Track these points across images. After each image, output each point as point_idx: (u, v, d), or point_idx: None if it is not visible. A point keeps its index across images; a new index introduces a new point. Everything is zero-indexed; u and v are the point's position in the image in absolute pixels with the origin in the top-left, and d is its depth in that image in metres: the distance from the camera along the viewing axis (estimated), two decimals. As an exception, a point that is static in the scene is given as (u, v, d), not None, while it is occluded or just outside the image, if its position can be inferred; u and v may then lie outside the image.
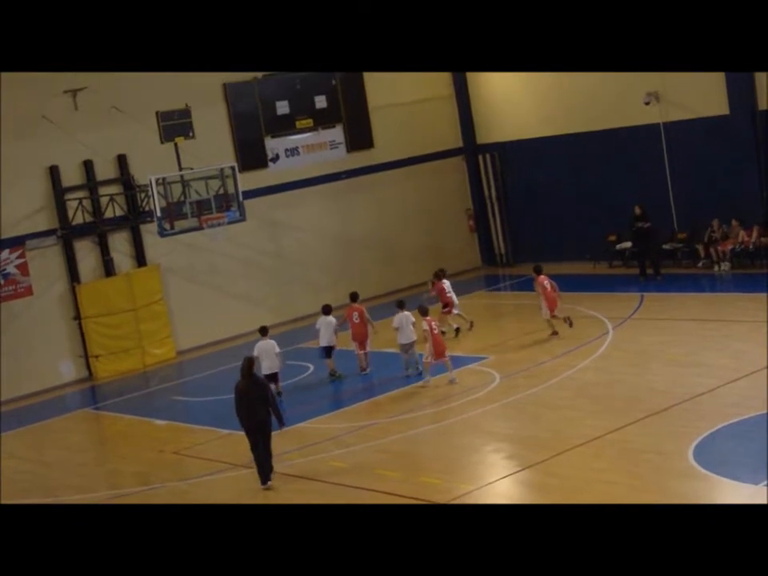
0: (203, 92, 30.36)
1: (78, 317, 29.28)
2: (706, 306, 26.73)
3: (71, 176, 29.27)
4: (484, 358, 24.17)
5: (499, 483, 16.89)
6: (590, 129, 32.67)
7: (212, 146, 29.95)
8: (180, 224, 26.78)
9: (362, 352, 24.71)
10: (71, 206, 29.07)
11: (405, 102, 34.76)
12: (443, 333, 26.40)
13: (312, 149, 33.36)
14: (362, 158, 34.17)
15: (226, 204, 27.12)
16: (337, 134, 33.83)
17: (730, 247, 29.54)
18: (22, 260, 28.54)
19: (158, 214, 26.21)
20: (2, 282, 28.24)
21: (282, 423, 18.71)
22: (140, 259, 30.30)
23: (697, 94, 29.85)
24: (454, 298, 26.72)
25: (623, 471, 16.28)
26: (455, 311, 26.81)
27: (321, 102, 33.35)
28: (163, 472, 20.17)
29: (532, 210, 34.83)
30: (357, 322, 24.65)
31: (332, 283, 32.00)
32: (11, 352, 28.10)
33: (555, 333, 25.12)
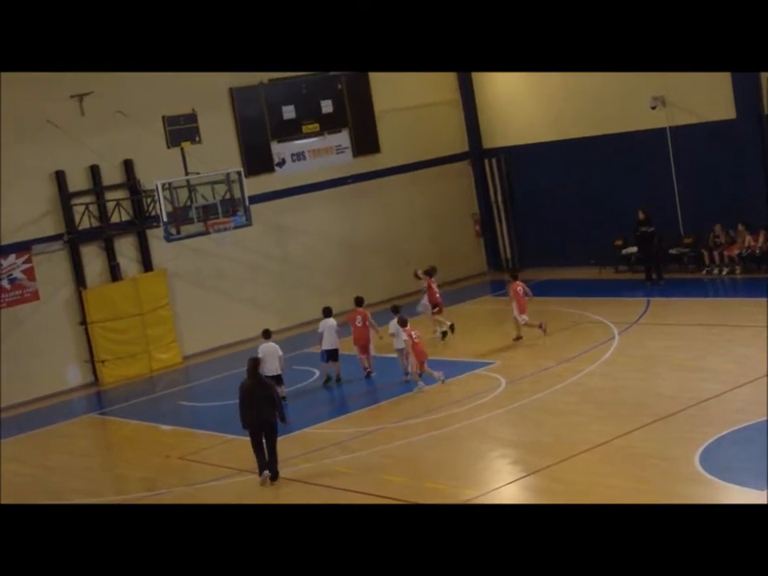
0: (209, 96, 30.41)
1: (84, 322, 29.30)
2: (711, 310, 26.72)
3: (77, 181, 29.30)
4: (490, 363, 24.14)
5: (505, 489, 16.85)
6: (595, 133, 32.67)
7: (218, 150, 29.97)
8: (186, 229, 26.81)
9: (364, 356, 24.74)
10: (77, 210, 29.11)
11: (411, 106, 34.77)
12: (445, 332, 26.61)
13: (318, 153, 33.38)
14: (368, 163, 34.18)
15: (232, 209, 27.13)
16: (343, 138, 33.85)
17: (736, 252, 29.51)
18: (28, 265, 28.57)
19: (165, 218, 26.21)
20: (9, 286, 28.27)
21: (284, 422, 18.75)
22: (146, 264, 30.32)
23: (703, 98, 29.82)
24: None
25: (629, 476, 16.24)
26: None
27: (327, 106, 33.38)
28: (169, 477, 20.16)
29: (538, 215, 34.82)
30: (359, 326, 24.66)
31: (338, 288, 31.99)
32: (17, 356, 28.13)
33: (520, 337, 25.63)
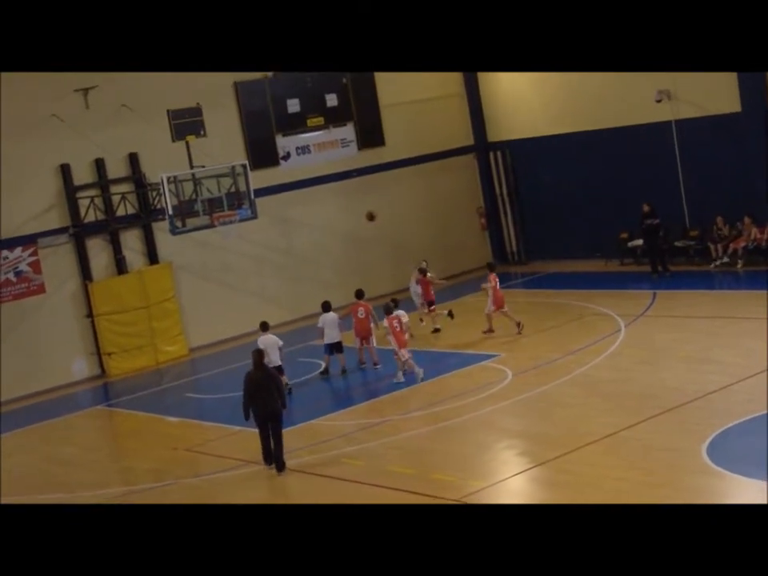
0: (214, 90, 30.39)
1: (90, 314, 29.34)
2: (718, 303, 26.72)
3: (83, 174, 29.32)
4: (496, 355, 24.16)
5: (512, 480, 16.89)
6: (601, 126, 32.66)
7: (223, 144, 30.01)
8: (192, 222, 26.85)
9: (369, 346, 24.88)
10: (83, 204, 29.14)
11: (416, 99, 34.74)
12: (437, 330, 26.73)
13: (323, 147, 33.38)
14: (372, 156, 34.18)
15: (237, 202, 27.15)
16: (348, 132, 33.85)
17: (742, 245, 29.50)
18: (34, 258, 28.60)
19: (170, 211, 26.23)
20: (15, 279, 28.31)
21: (284, 407, 18.88)
22: (152, 257, 30.35)
23: (708, 92, 29.78)
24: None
25: (636, 468, 16.25)
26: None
27: (332, 100, 33.37)
28: (176, 469, 20.21)
29: (543, 208, 34.82)
30: (362, 317, 24.78)
31: (343, 281, 31.97)
32: (24, 350, 28.20)
33: (491, 330, 25.90)
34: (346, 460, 18.83)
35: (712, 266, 30.02)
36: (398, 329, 23.51)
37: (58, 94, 28.39)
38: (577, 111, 33.32)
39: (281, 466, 18.58)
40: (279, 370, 22.91)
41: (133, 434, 24.16)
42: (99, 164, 29.45)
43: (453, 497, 16.04)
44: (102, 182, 29.55)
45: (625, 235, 32.32)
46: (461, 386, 22.25)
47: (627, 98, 31.71)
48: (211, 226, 27.10)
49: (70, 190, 29.02)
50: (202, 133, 27.24)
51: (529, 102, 34.78)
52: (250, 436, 19.56)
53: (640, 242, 31.48)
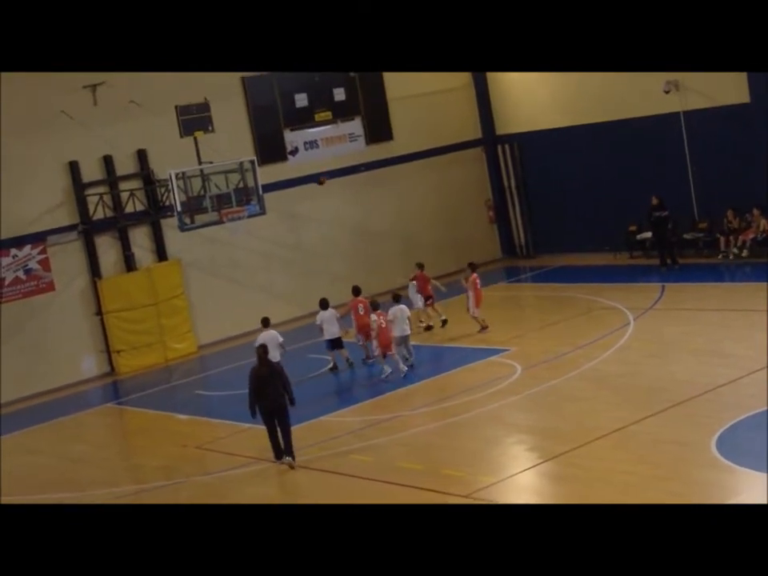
0: (222, 86, 30.35)
1: (99, 312, 29.38)
2: (727, 295, 26.68)
3: (91, 171, 29.35)
4: (505, 350, 24.14)
5: (521, 475, 16.88)
6: (609, 118, 32.58)
7: (231, 139, 29.99)
8: (200, 218, 26.81)
9: (370, 343, 24.85)
10: (91, 201, 29.17)
11: (423, 93, 34.67)
12: (430, 327, 26.78)
13: (331, 141, 33.37)
14: (381, 150, 34.16)
15: (245, 198, 27.12)
16: (356, 126, 33.83)
17: (751, 236, 29.43)
18: (43, 255, 28.65)
19: (178, 208, 26.21)
20: (24, 277, 28.36)
21: (293, 404, 18.99)
22: (161, 254, 30.38)
23: (717, 82, 29.67)
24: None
25: (645, 462, 16.24)
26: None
27: (339, 94, 33.36)
28: (186, 466, 20.24)
29: (552, 201, 34.77)
30: (362, 313, 24.80)
31: (352, 276, 31.75)
32: (34, 348, 28.26)
33: (485, 327, 26.00)
34: (355, 456, 18.84)
35: (720, 257, 29.94)
36: (383, 325, 23.65)
37: (66, 90, 28.37)
38: (584, 103, 33.26)
39: (290, 454, 18.69)
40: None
41: (143, 431, 24.20)
42: (107, 161, 29.48)
43: (462, 492, 16.05)
44: (111, 178, 29.57)
45: (633, 228, 32.26)
46: (469, 381, 22.25)
47: (635, 90, 31.58)
48: (220, 222, 27.07)
49: (79, 187, 29.05)
50: (210, 128, 27.16)
51: (536, 94, 34.71)
52: (259, 433, 19.56)
53: (649, 234, 31.42)
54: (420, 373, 23.59)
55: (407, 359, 23.92)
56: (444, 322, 27.28)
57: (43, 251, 28.66)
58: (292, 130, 32.59)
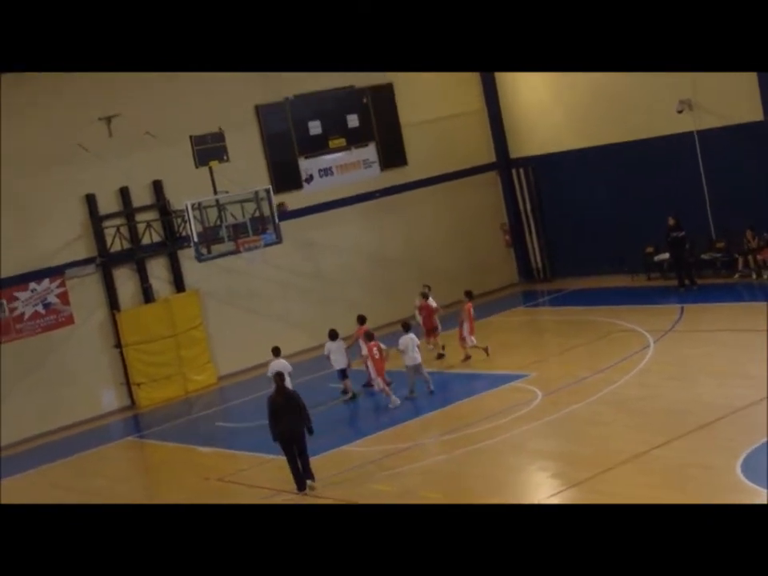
0: (235, 114, 30.51)
1: (118, 344, 29.41)
2: (746, 315, 26.48)
3: (108, 203, 29.45)
4: (525, 376, 24.07)
5: (547, 503, 16.77)
6: (622, 139, 32.57)
7: (246, 168, 30.07)
8: (217, 248, 26.85)
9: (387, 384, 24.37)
10: (109, 233, 29.26)
11: (436, 117, 34.78)
12: (441, 356, 26.63)
13: (346, 168, 33.43)
14: (395, 176, 34.21)
15: (262, 227, 27.16)
16: (370, 152, 33.90)
17: (768, 255, 29.36)
18: (62, 289, 28.73)
19: (195, 238, 26.24)
20: (44, 311, 28.43)
21: (311, 433, 19.18)
22: (178, 284, 30.43)
23: (730, 101, 29.68)
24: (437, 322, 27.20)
25: (670, 487, 16.12)
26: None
27: (353, 120, 33.45)
28: (209, 499, 20.12)
29: (568, 223, 34.73)
30: (377, 358, 24.24)
31: (370, 303, 31.85)
32: (54, 381, 28.30)
33: (486, 351, 26.09)
34: (378, 486, 18.75)
35: (737, 276, 29.83)
36: (378, 356, 23.73)
37: (81, 122, 28.58)
38: (598, 125, 33.24)
39: (309, 476, 18.92)
40: None
41: (164, 464, 24.18)
42: (124, 192, 29.58)
43: (486, 522, 15.93)
44: (128, 210, 29.66)
45: (651, 249, 32.18)
46: (490, 408, 22.17)
47: (648, 110, 31.62)
48: (236, 251, 27.10)
49: (96, 220, 29.15)
50: (224, 158, 27.20)
51: (549, 117, 34.73)
52: (281, 464, 19.53)
53: (666, 255, 31.33)
54: (440, 399, 23.53)
55: (413, 390, 23.86)
56: (440, 356, 27.09)
57: (62, 285, 28.74)
58: (306, 157, 32.67)
